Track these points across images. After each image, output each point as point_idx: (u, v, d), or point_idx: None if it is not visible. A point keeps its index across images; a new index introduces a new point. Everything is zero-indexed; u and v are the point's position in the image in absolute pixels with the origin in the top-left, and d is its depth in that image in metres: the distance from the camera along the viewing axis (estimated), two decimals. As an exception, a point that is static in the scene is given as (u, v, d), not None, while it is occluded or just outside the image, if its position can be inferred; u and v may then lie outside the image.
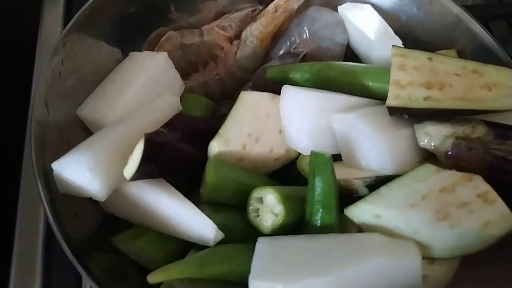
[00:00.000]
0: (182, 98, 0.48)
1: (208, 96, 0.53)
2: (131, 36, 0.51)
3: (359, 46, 0.52)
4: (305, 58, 0.54)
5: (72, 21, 0.43)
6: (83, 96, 0.45)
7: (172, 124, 0.39)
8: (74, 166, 0.34)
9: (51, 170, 0.36)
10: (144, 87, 0.44)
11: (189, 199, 0.38)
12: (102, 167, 0.34)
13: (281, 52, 0.55)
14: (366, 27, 0.51)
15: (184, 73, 0.54)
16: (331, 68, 0.47)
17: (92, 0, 0.45)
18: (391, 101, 0.39)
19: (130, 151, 0.36)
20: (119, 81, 0.45)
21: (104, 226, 0.40)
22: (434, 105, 0.39)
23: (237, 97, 0.54)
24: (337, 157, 0.41)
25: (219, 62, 0.55)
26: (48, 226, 0.45)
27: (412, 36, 0.53)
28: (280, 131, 0.43)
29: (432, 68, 0.41)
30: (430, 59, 0.41)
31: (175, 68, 0.49)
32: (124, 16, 0.49)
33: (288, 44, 0.55)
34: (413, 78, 0.40)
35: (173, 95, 0.45)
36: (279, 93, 0.49)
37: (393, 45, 0.42)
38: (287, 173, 0.44)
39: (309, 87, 0.47)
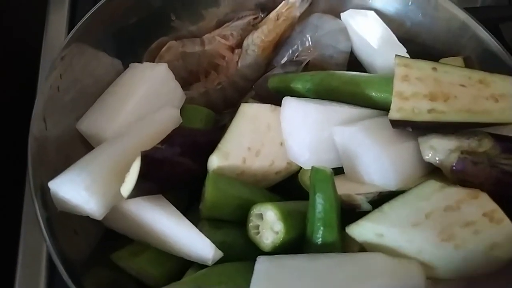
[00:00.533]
0: (182, 109, 0.48)
1: (210, 106, 0.53)
2: (131, 46, 0.51)
3: (363, 53, 0.51)
4: (307, 66, 0.53)
5: (70, 34, 0.42)
6: (82, 109, 0.44)
7: (170, 139, 0.38)
8: (70, 185, 0.33)
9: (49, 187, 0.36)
10: (144, 100, 0.44)
11: (189, 214, 0.37)
12: (98, 186, 0.34)
13: (283, 60, 0.54)
14: (369, 34, 0.50)
15: (185, 83, 0.54)
16: (333, 78, 0.46)
17: (90, 13, 0.44)
18: (394, 114, 0.38)
19: (127, 168, 0.35)
20: (119, 94, 0.45)
21: (104, 241, 0.40)
22: (438, 118, 0.38)
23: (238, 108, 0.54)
24: (339, 170, 0.41)
25: (220, 72, 0.54)
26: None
27: (417, 42, 0.52)
28: (281, 144, 0.43)
29: (437, 78, 0.40)
30: (434, 69, 0.40)
31: (176, 78, 0.48)
32: (124, 27, 0.49)
33: (290, 52, 0.54)
34: (416, 89, 0.39)
35: (173, 107, 0.44)
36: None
37: (396, 55, 0.41)
38: (288, 186, 0.44)
39: (311, 97, 0.46)
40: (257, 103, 0.44)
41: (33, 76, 0.58)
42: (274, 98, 0.49)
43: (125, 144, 0.37)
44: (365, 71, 0.52)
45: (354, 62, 0.53)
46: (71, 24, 0.64)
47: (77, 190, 0.33)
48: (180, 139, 0.39)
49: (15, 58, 0.66)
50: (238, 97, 0.54)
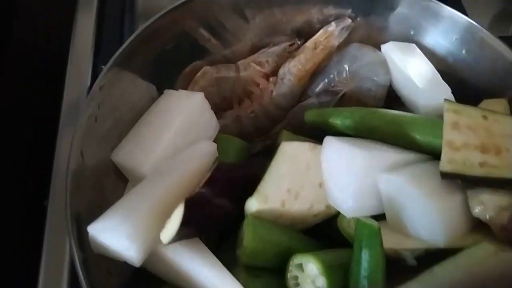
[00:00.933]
0: (216, 139, 0.47)
1: (242, 133, 0.51)
2: (166, 71, 0.50)
3: (403, 89, 0.50)
4: (344, 97, 0.52)
5: (109, 64, 0.41)
6: (117, 138, 0.43)
7: (211, 181, 0.37)
8: (111, 233, 0.32)
9: (85, 227, 0.35)
10: (180, 131, 0.43)
11: (221, 255, 0.36)
12: (139, 234, 0.33)
13: (318, 89, 0.53)
14: (411, 69, 0.48)
15: (218, 109, 0.53)
16: (375, 116, 0.44)
17: (129, 41, 0.43)
18: (445, 166, 0.37)
19: (168, 211, 0.34)
20: (155, 124, 0.43)
21: (136, 281, 0.39)
22: (490, 173, 0.36)
23: (272, 134, 0.53)
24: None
25: (254, 99, 0.53)
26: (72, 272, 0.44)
27: (459, 79, 0.50)
28: (320, 185, 0.41)
29: (488, 128, 0.38)
30: (485, 117, 0.39)
31: (209, 104, 0.47)
32: (161, 53, 0.48)
33: (326, 81, 0.53)
34: (467, 139, 0.38)
35: (209, 141, 0.43)
36: (316, 134, 0.47)
37: (445, 100, 0.40)
38: (325, 227, 0.42)
39: (350, 134, 0.45)
40: (296, 141, 0.42)
41: (58, 92, 0.58)
42: (308, 128, 0.49)
43: (164, 185, 0.36)
44: (403, 105, 0.51)
45: (392, 96, 0.51)
46: (98, 37, 0.64)
47: (119, 238, 0.32)
48: (220, 180, 0.38)
49: (41, 72, 0.65)
50: (271, 125, 0.53)
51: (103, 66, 0.62)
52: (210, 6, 0.50)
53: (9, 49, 0.69)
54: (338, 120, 0.45)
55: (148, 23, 0.46)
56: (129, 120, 0.44)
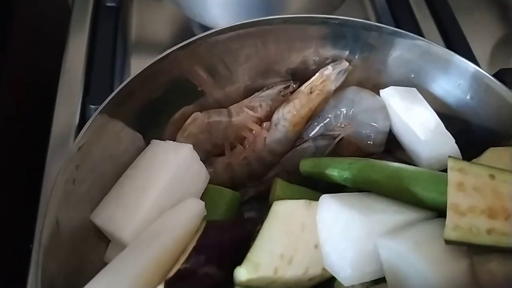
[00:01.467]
0: (206, 190, 0.44)
1: (234, 180, 0.49)
2: (153, 118, 0.47)
3: (404, 137, 0.47)
4: (341, 142, 0.49)
5: (89, 122, 0.38)
6: (98, 196, 0.40)
7: (197, 249, 0.34)
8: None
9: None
10: (167, 189, 0.40)
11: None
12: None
13: (314, 133, 0.50)
14: (412, 117, 0.45)
15: (209, 155, 0.50)
16: (374, 170, 0.41)
17: (112, 95, 0.40)
18: (450, 233, 0.34)
19: (152, 284, 0.31)
20: (139, 181, 0.41)
21: None
22: (499, 242, 0.33)
23: (265, 180, 0.50)
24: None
25: (247, 145, 0.51)
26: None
27: (463, 126, 0.48)
28: (316, 246, 0.39)
29: (495, 189, 0.36)
30: (492, 176, 0.36)
31: (199, 152, 0.45)
32: (149, 102, 0.45)
33: (323, 125, 0.50)
34: (474, 202, 0.35)
35: (196, 200, 0.40)
36: (311, 181, 0.44)
37: (449, 157, 0.37)
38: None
39: (348, 185, 0.42)
40: (290, 200, 0.39)
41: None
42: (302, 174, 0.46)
43: (147, 256, 0.33)
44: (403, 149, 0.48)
45: (392, 137, 0.49)
46: (89, 64, 0.62)
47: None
48: (208, 247, 0.35)
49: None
50: (264, 170, 0.51)
51: (91, 106, 0.61)
52: (206, 48, 0.48)
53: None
54: (335, 172, 0.43)
55: (139, 71, 0.43)
56: (111, 175, 0.42)
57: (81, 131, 0.38)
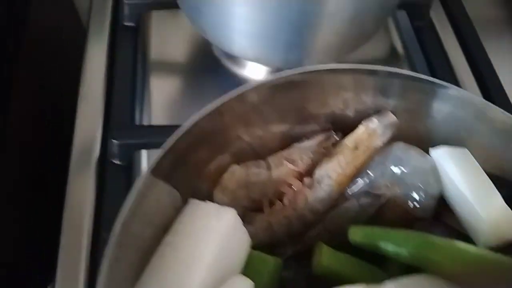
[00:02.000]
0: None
1: (273, 240, 0.46)
2: (186, 171, 0.44)
3: (458, 206, 0.44)
4: (386, 203, 0.47)
5: (131, 197, 0.35)
6: (139, 268, 0.37)
7: None
8: None
9: None
10: (213, 265, 0.37)
11: None
12: None
13: (358, 190, 0.47)
14: (469, 187, 0.43)
15: (246, 212, 0.47)
16: (434, 249, 0.38)
17: (157, 161, 0.37)
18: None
19: None
20: (181, 254, 0.37)
21: None
22: None
23: (304, 239, 0.47)
24: None
25: (286, 203, 0.47)
26: None
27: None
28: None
29: None
30: None
31: (237, 209, 0.41)
32: (181, 154, 0.42)
33: (368, 181, 0.47)
34: None
35: (245, 279, 0.37)
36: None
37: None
38: None
39: (402, 261, 0.40)
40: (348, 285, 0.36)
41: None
42: (346, 234, 0.44)
43: None
44: (452, 213, 0.46)
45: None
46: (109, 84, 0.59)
47: None
48: None
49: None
50: (303, 229, 0.48)
51: (114, 140, 0.57)
52: (242, 102, 0.44)
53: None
54: (389, 247, 0.40)
55: (183, 130, 0.40)
56: (151, 243, 0.38)
57: (124, 206, 0.34)
